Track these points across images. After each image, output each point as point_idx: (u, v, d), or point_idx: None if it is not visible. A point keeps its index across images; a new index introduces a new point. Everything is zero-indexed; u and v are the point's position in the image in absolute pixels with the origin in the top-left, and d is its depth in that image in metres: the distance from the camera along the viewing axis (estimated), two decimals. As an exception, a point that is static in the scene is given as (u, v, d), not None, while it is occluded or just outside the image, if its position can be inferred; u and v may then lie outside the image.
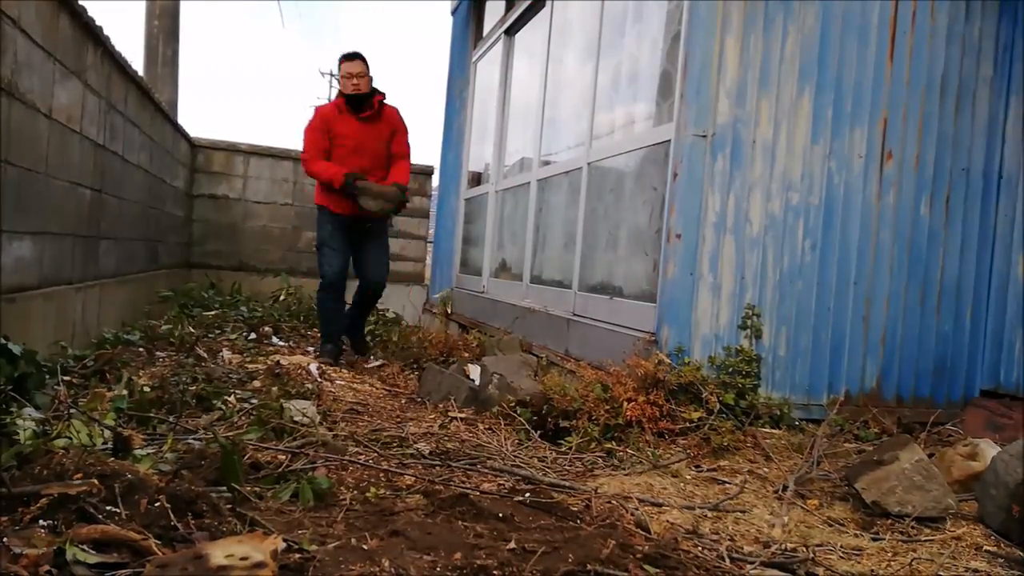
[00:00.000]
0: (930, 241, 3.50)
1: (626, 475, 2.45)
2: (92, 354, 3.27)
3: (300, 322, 5.75)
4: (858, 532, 2.13)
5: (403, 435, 2.64)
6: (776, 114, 3.28)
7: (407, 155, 4.53)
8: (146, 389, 2.66)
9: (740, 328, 3.26)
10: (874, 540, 2.07)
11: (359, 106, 4.30)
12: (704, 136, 3.19)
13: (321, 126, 4.32)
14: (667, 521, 2.02)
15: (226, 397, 2.87)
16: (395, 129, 4.45)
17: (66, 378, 2.82)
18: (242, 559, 1.27)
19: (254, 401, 2.79)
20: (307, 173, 4.45)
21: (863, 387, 3.43)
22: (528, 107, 5.62)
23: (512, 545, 1.66)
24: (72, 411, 2.07)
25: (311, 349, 4.69)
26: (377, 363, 4.45)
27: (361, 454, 2.30)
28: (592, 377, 3.09)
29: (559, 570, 1.56)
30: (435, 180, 8.51)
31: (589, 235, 4.24)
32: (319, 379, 3.60)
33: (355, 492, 1.95)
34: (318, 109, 4.45)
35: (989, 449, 2.46)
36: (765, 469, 2.65)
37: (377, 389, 3.68)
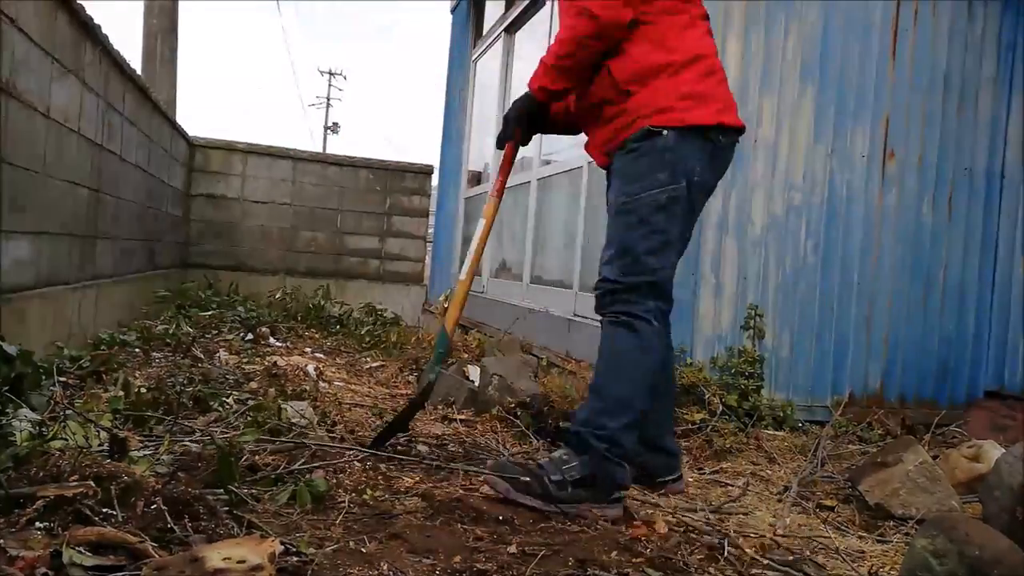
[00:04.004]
0: (932, 241, 3.49)
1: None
2: (88, 355, 3.24)
3: (297, 322, 5.74)
4: (862, 534, 2.12)
5: (401, 436, 2.62)
6: (778, 113, 3.27)
7: None
8: (142, 390, 2.63)
9: (743, 329, 3.24)
10: (878, 542, 2.06)
11: None
12: (706, 135, 3.17)
13: None
14: (669, 523, 2.00)
15: (223, 398, 2.85)
16: None
17: (62, 379, 2.79)
18: (239, 562, 1.26)
19: (251, 402, 2.77)
20: None
21: (867, 388, 3.41)
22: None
23: (512, 548, 1.64)
24: (68, 412, 2.05)
25: (308, 350, 4.67)
26: (375, 364, 4.43)
27: (359, 456, 2.28)
28: (593, 378, 3.06)
29: (560, 573, 1.54)
30: (435, 179, 8.50)
31: (590, 235, 4.22)
32: (316, 380, 3.57)
33: (353, 494, 1.93)
34: None
35: (993, 451, 2.45)
36: (768, 471, 2.64)
37: (375, 390, 3.66)
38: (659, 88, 2.00)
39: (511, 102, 2.25)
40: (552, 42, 2.07)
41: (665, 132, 1.99)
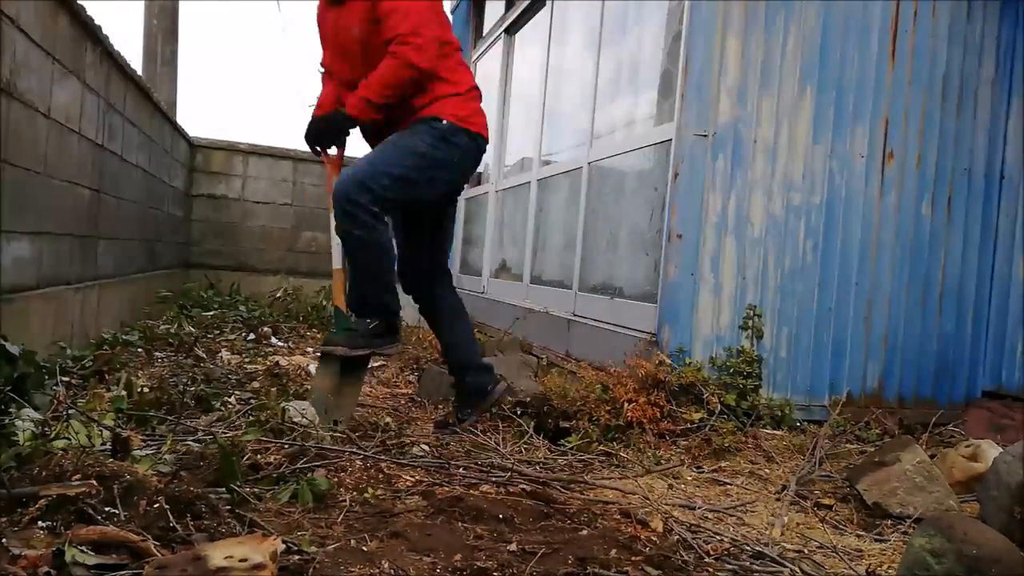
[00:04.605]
0: (931, 241, 3.50)
1: (627, 476, 2.45)
2: (91, 354, 3.26)
3: (299, 322, 5.75)
4: (860, 533, 2.12)
5: (402, 436, 2.63)
6: (777, 114, 3.28)
7: (396, 38, 2.57)
8: (145, 390, 2.65)
9: (741, 329, 3.25)
10: (876, 541, 2.07)
11: None
12: (705, 136, 3.18)
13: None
14: (668, 522, 2.01)
15: (225, 398, 2.86)
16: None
17: (65, 379, 2.81)
18: (241, 560, 1.27)
19: (254, 402, 2.78)
20: None
21: (865, 388, 3.42)
22: (528, 106, 5.61)
23: (512, 547, 1.65)
24: (71, 412, 2.07)
25: (310, 350, 4.68)
26: (376, 363, 4.44)
27: (360, 455, 2.29)
28: (592, 378, 3.08)
29: (559, 572, 1.56)
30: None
31: (589, 235, 4.23)
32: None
33: (354, 493, 1.94)
34: None
35: (991, 450, 2.45)
36: (766, 470, 2.64)
37: (376, 390, 3.67)
38: (445, 104, 2.71)
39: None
40: (378, 78, 2.58)
41: (444, 123, 2.69)
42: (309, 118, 2.82)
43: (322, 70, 2.95)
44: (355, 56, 2.71)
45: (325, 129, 2.76)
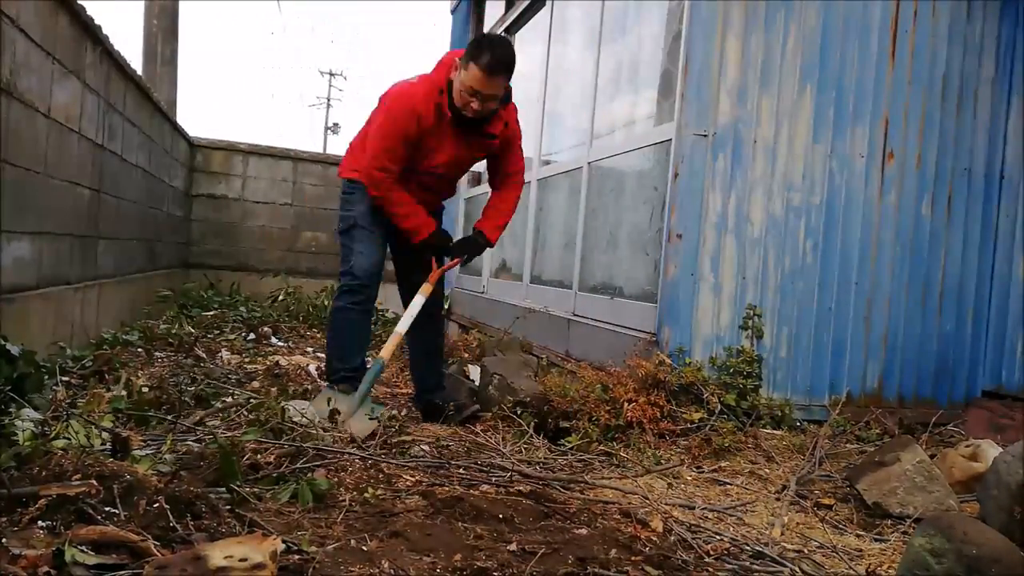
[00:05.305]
0: (931, 241, 3.50)
1: (627, 476, 2.45)
2: (91, 354, 3.26)
3: (299, 322, 5.75)
4: (859, 533, 2.13)
5: (403, 435, 2.63)
6: (777, 113, 3.27)
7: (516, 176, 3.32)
8: (144, 390, 2.65)
9: (741, 329, 3.25)
10: (876, 541, 2.07)
11: (470, 122, 2.93)
12: (705, 136, 3.18)
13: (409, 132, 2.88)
14: (668, 522, 2.01)
15: (224, 398, 2.86)
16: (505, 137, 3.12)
17: (65, 379, 2.81)
18: (241, 560, 1.27)
19: (254, 402, 2.78)
20: (375, 196, 2.98)
21: (865, 388, 3.42)
22: (528, 107, 5.60)
23: (512, 547, 1.65)
24: (71, 412, 2.07)
25: (310, 350, 4.68)
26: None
27: (360, 455, 2.29)
28: (593, 378, 3.08)
29: (559, 572, 1.55)
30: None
31: (589, 235, 4.23)
32: (318, 380, 3.59)
33: (354, 493, 1.94)
34: (408, 99, 2.88)
35: (991, 450, 2.45)
36: (766, 470, 2.64)
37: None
38: None
39: (474, 244, 3.23)
40: (512, 207, 3.29)
41: None
42: (441, 234, 3.19)
43: (389, 170, 2.95)
44: (463, 173, 3.40)
45: (478, 252, 3.31)
